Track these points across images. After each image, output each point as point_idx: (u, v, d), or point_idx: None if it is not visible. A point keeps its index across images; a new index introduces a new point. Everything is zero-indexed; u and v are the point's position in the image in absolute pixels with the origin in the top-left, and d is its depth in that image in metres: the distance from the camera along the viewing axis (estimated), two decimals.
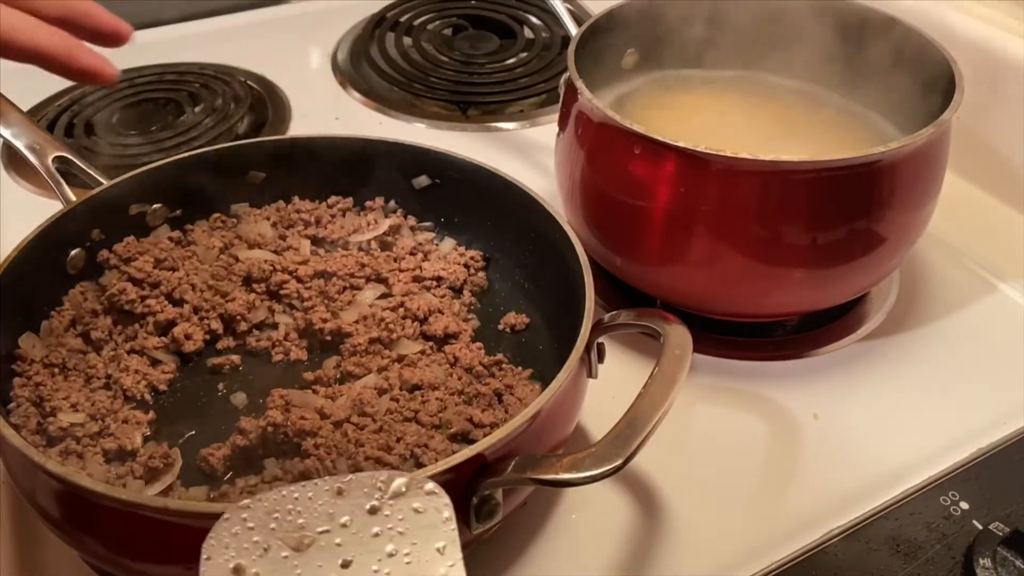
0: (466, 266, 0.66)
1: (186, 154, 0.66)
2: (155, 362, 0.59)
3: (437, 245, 0.68)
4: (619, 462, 0.42)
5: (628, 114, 0.61)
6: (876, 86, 0.72)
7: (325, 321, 0.61)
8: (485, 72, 0.99)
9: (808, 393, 0.64)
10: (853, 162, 0.58)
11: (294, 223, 0.67)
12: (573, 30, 0.71)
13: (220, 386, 0.58)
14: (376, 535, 0.34)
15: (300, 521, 0.35)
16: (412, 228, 0.68)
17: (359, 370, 0.58)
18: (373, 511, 0.35)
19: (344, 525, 0.35)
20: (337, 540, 0.34)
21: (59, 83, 0.94)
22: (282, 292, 0.63)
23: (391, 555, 0.34)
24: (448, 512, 0.35)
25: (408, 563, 0.34)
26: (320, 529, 0.34)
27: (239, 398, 0.57)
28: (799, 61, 0.74)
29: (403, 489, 0.36)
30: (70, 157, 0.62)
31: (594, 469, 0.42)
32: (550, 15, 1.02)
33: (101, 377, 0.56)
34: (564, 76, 0.69)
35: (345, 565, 0.34)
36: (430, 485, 0.36)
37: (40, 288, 0.58)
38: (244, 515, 0.34)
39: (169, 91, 0.94)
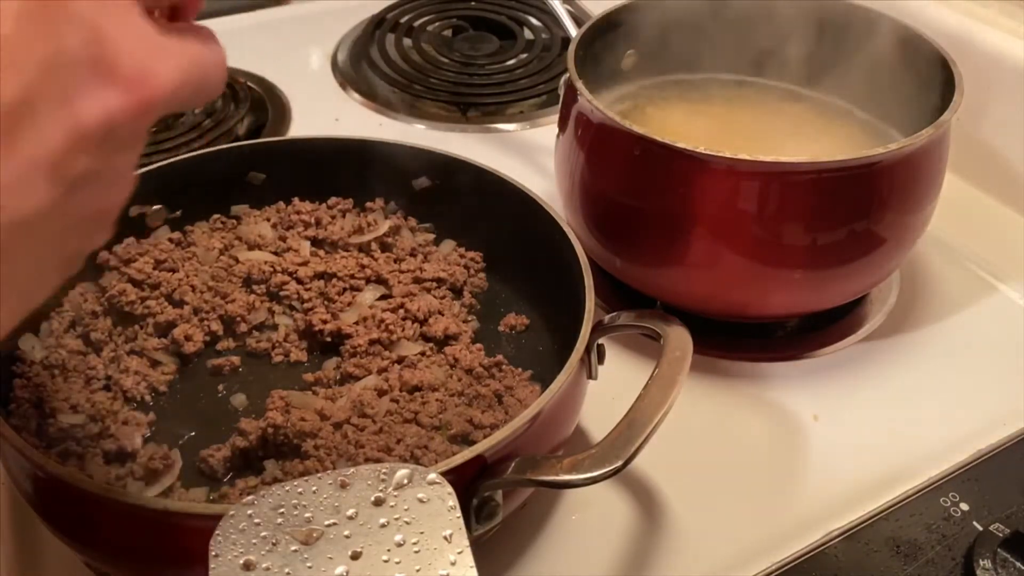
0: (466, 267, 0.66)
1: (186, 155, 0.66)
2: (155, 363, 0.59)
3: (437, 246, 0.68)
4: (619, 463, 0.42)
5: (628, 115, 0.61)
6: (876, 87, 0.71)
7: (325, 322, 0.61)
8: (485, 73, 0.99)
9: (808, 394, 0.64)
10: (853, 163, 0.58)
11: (294, 224, 0.67)
12: (573, 31, 0.71)
13: (220, 387, 0.58)
14: (383, 526, 0.35)
15: (307, 515, 0.35)
16: (412, 229, 0.68)
17: (359, 371, 0.58)
18: (378, 503, 0.36)
19: (351, 517, 0.35)
20: (345, 532, 0.35)
21: None
22: (282, 293, 0.63)
23: (400, 545, 0.34)
24: (452, 501, 0.36)
25: (417, 552, 0.34)
26: (328, 522, 0.35)
27: (239, 399, 0.57)
28: (798, 62, 0.74)
29: (406, 480, 0.36)
30: None
31: (594, 470, 0.42)
32: (550, 16, 1.02)
33: (101, 378, 0.56)
34: (564, 77, 0.69)
35: (355, 556, 0.34)
36: (432, 475, 0.36)
37: None
38: (250, 511, 0.35)
39: None
